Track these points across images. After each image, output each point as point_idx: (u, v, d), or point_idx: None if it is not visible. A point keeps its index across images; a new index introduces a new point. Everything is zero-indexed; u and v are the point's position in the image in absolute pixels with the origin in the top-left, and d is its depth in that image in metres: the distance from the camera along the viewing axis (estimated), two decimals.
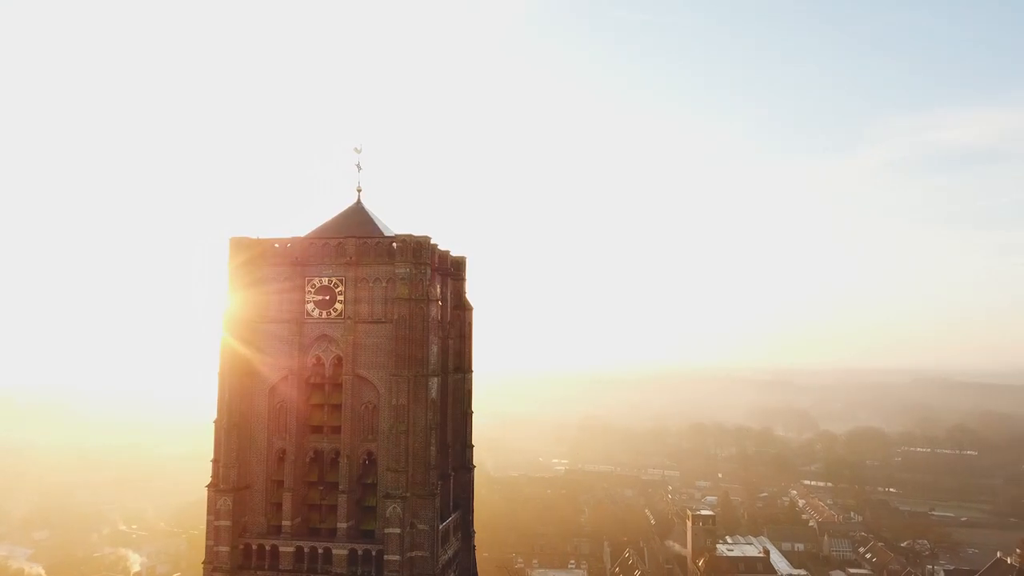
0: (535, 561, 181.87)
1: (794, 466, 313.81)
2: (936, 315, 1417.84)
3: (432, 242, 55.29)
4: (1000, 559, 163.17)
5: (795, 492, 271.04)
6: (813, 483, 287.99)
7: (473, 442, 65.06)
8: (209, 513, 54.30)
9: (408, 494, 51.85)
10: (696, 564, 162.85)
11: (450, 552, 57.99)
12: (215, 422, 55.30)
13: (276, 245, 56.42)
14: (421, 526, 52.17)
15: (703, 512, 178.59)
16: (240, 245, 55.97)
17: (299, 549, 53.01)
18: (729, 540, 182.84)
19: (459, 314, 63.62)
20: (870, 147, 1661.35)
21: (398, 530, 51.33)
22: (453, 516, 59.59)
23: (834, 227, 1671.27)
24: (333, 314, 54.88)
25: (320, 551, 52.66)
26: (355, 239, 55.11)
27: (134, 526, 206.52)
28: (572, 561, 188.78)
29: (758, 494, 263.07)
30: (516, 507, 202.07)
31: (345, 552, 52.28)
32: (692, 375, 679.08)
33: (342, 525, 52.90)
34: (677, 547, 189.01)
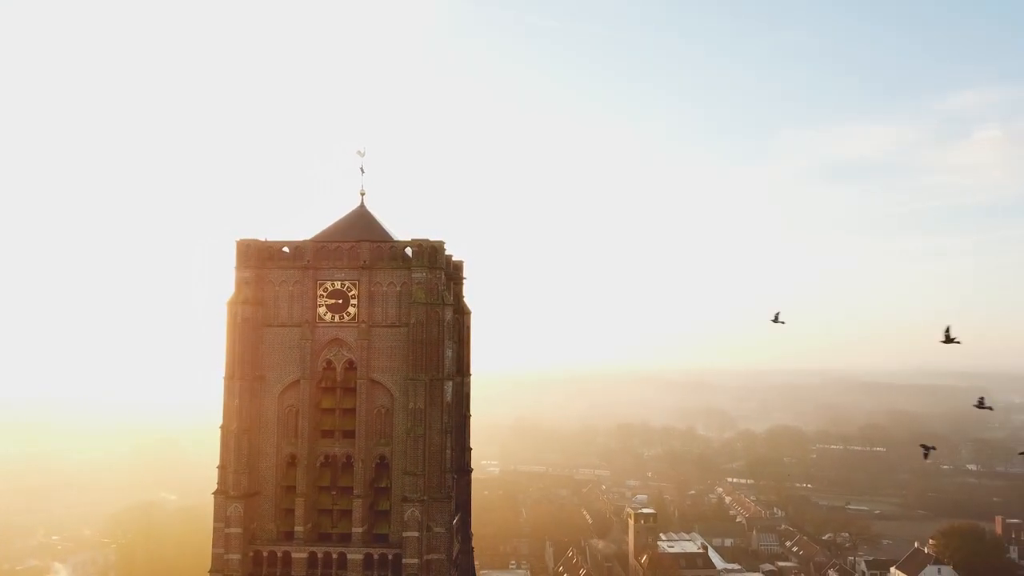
0: (476, 563, 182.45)
1: (717, 464, 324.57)
2: (842, 319, 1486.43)
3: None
4: (918, 549, 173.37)
5: (721, 490, 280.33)
6: (737, 480, 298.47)
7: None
8: (217, 520, 53.16)
9: (425, 497, 52.21)
10: (638, 561, 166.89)
11: (454, 553, 58.52)
12: (221, 427, 54.26)
13: (285, 248, 55.80)
14: (437, 529, 52.63)
15: (644, 511, 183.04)
16: (248, 248, 55.07)
17: (312, 555, 52.62)
18: (664, 537, 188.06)
19: (458, 318, 64.16)
20: (776, 157, 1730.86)
21: (416, 533, 51.63)
22: (456, 518, 60.11)
23: (744, 234, 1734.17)
24: (346, 318, 54.68)
25: (335, 556, 52.42)
26: (369, 243, 55.05)
27: (55, 537, 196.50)
28: (513, 561, 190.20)
29: (687, 492, 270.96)
30: None
31: (360, 557, 52.20)
32: (615, 376, 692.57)
33: (357, 530, 52.76)
34: (616, 545, 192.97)
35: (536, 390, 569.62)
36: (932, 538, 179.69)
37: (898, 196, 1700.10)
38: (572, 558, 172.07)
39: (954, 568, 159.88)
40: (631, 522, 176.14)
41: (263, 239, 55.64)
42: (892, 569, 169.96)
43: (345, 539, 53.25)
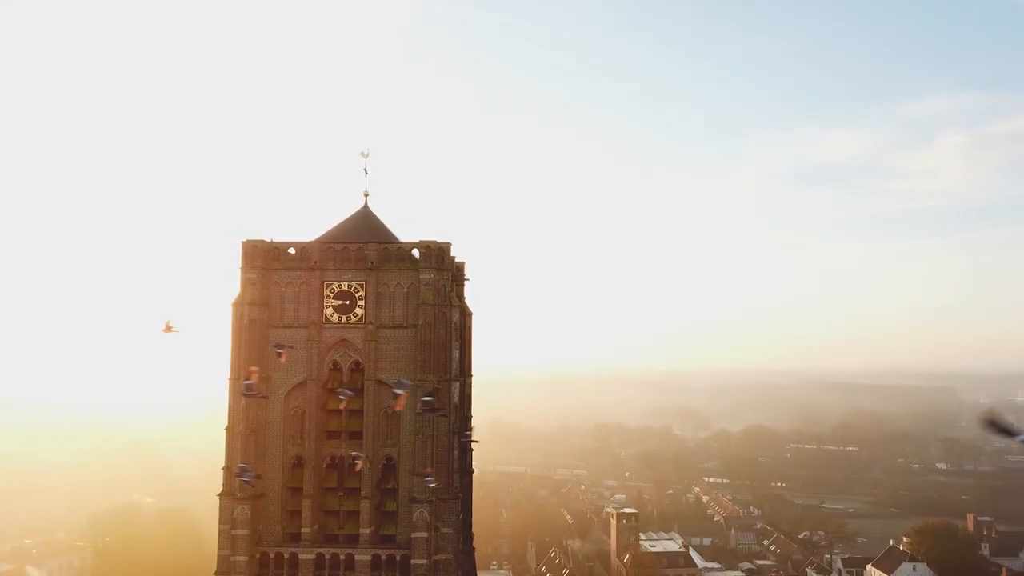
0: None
1: (694, 464, 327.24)
2: (812, 320, 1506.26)
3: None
4: (893, 547, 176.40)
5: (698, 489, 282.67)
6: (713, 480, 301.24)
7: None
8: (223, 522, 52.96)
9: (433, 498, 52.40)
10: (621, 560, 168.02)
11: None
12: (227, 429, 54.06)
13: (291, 250, 55.68)
14: (445, 529, 52.89)
15: (627, 510, 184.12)
16: (254, 249, 54.87)
17: (320, 556, 52.60)
18: (644, 537, 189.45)
19: (461, 319, 64.35)
20: (748, 161, 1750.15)
21: (425, 534, 51.82)
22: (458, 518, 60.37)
23: (716, 237, 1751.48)
24: (353, 319, 54.73)
25: (342, 557, 52.44)
26: (376, 244, 55.14)
27: (28, 541, 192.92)
28: (494, 562, 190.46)
29: (664, 492, 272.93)
30: None
31: (368, 557, 52.28)
32: (590, 377, 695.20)
33: (364, 531, 52.82)
34: (597, 545, 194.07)
35: (512, 391, 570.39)
36: (906, 536, 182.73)
37: (866, 200, 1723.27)
38: (555, 558, 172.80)
39: (928, 565, 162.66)
40: (613, 522, 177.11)
41: (268, 239, 55.47)
42: (868, 567, 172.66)
43: (351, 540, 53.30)
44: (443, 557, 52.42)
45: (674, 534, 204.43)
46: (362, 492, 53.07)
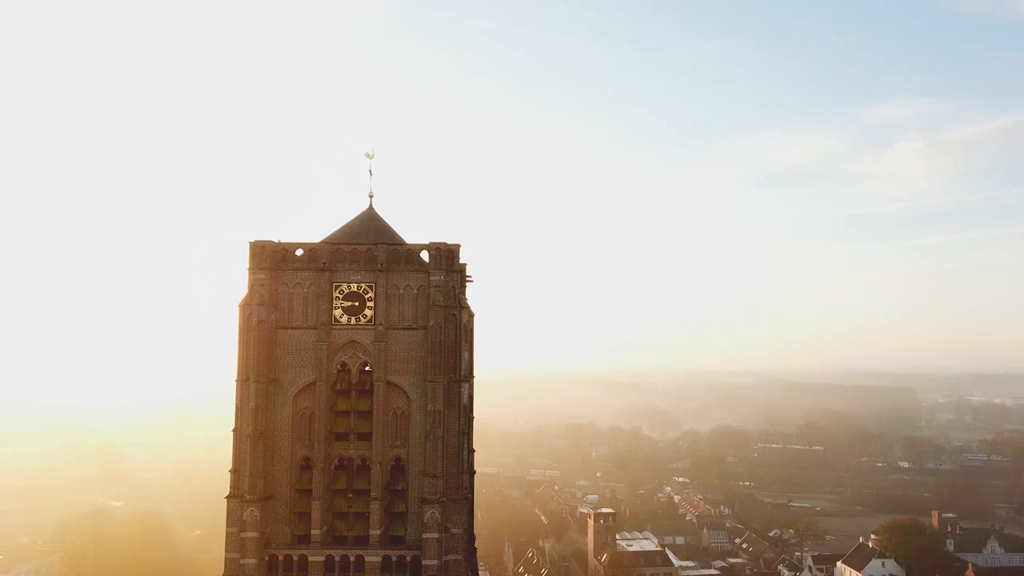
0: None
1: (664, 464, 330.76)
2: (774, 321, 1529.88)
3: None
4: (862, 544, 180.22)
5: (669, 488, 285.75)
6: (683, 480, 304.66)
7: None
8: (231, 525, 52.45)
9: (444, 499, 52.52)
10: (599, 560, 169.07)
11: None
12: (234, 431, 53.57)
13: (300, 251, 55.39)
14: (455, 530, 53.04)
15: (604, 510, 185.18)
16: (263, 250, 54.44)
17: (329, 558, 52.35)
18: (619, 536, 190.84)
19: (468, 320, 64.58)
20: (715, 165, 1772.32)
21: (436, 535, 51.86)
22: None
23: (682, 239, 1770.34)
24: (363, 320, 54.59)
25: (352, 559, 52.27)
26: (386, 246, 55.07)
27: None
28: None
29: (636, 491, 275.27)
30: None
31: (378, 559, 52.18)
32: (560, 378, 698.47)
33: (375, 532, 52.69)
34: (573, 545, 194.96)
35: (482, 391, 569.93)
36: (875, 533, 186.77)
37: (827, 203, 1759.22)
38: (532, 558, 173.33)
39: (897, 561, 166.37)
40: (591, 521, 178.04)
41: (276, 240, 55.10)
42: (839, 563, 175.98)
43: (360, 542, 53.14)
44: (453, 558, 52.57)
45: (648, 533, 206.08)
46: (372, 493, 52.91)
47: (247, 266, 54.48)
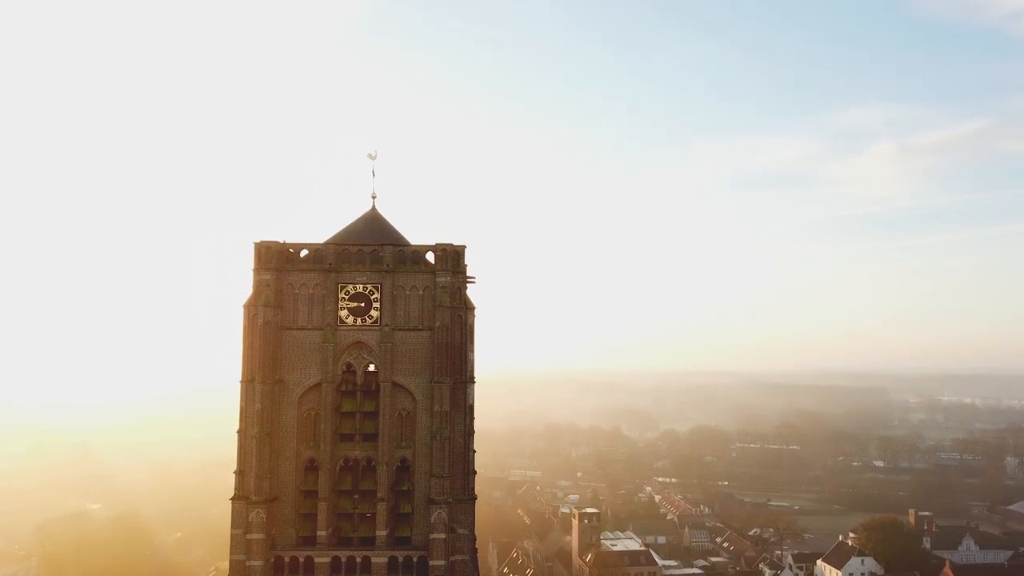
0: None
1: (644, 464, 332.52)
2: (747, 322, 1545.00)
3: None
4: (842, 542, 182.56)
5: (650, 488, 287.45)
6: (663, 479, 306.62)
7: None
8: (236, 527, 52.04)
9: (451, 499, 52.66)
10: (583, 560, 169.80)
11: None
12: (239, 432, 53.23)
13: (305, 251, 55.23)
14: (461, 530, 53.21)
15: (588, 510, 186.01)
16: (268, 250, 54.19)
17: (335, 559, 52.25)
18: (601, 536, 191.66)
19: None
20: (691, 166, 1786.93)
21: (443, 535, 51.98)
22: None
23: (655, 240, 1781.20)
24: (368, 321, 54.54)
25: (358, 560, 52.19)
26: (392, 246, 55.09)
27: None
28: None
29: (617, 491, 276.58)
30: None
31: (385, 560, 52.15)
32: (537, 378, 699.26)
33: (381, 533, 52.67)
34: (557, 545, 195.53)
35: None
36: (853, 531, 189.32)
37: (802, 206, 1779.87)
38: (517, 558, 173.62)
39: (875, 559, 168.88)
40: (575, 521, 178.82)
41: (281, 241, 54.89)
42: (819, 562, 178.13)
43: (366, 543, 53.08)
44: (460, 558, 52.75)
45: (630, 533, 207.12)
46: (378, 494, 52.88)
47: (251, 266, 54.24)
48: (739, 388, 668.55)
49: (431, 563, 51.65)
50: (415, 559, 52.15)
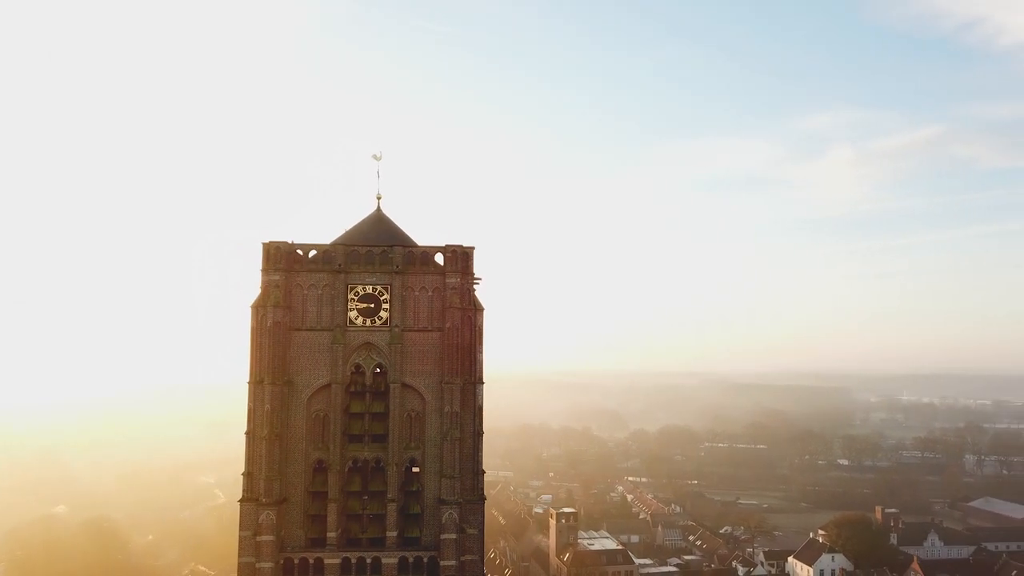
0: None
1: (614, 463, 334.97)
2: (711, 323, 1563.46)
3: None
4: (813, 539, 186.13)
5: (621, 488, 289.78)
6: (634, 479, 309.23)
7: None
8: (244, 529, 51.74)
9: (461, 499, 52.96)
10: (561, 559, 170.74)
11: None
12: (247, 433, 52.95)
13: (313, 252, 55.11)
14: (471, 530, 53.53)
15: (566, 510, 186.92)
16: (277, 251, 53.94)
17: (345, 560, 52.23)
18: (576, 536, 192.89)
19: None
20: (657, 167, 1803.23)
21: (454, 535, 52.26)
22: None
23: (620, 242, 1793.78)
24: (378, 322, 54.59)
25: (369, 561, 52.23)
26: (401, 247, 55.21)
27: None
28: None
29: (589, 491, 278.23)
30: None
31: (395, 560, 52.29)
32: (508, 379, 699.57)
33: (391, 534, 52.79)
34: (533, 545, 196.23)
35: None
36: (823, 528, 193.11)
37: (763, 209, 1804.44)
38: (495, 559, 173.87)
39: (845, 555, 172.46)
40: (552, 521, 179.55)
41: (290, 241, 54.71)
42: (790, 559, 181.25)
43: (375, 544, 53.16)
44: (470, 558, 53.03)
45: (604, 532, 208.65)
46: (388, 495, 52.99)
47: (260, 267, 53.97)
48: (705, 389, 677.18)
49: (442, 563, 51.92)
50: (425, 559, 52.38)
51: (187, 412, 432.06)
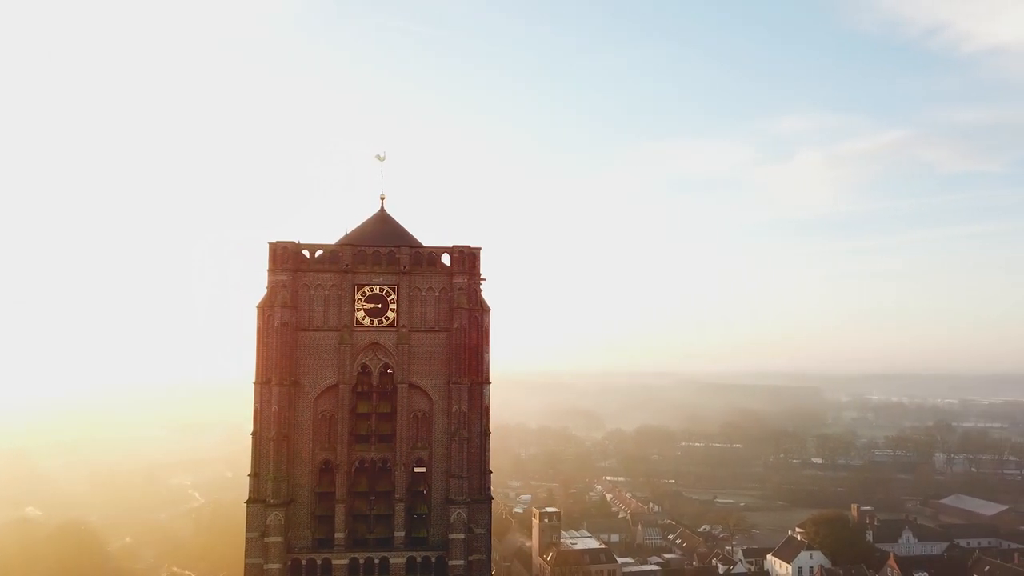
0: None
1: (592, 463, 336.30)
2: (683, 324, 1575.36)
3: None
4: (791, 537, 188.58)
5: (600, 487, 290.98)
6: (612, 478, 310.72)
7: None
8: (251, 530, 51.40)
9: (469, 499, 53.04)
10: (544, 559, 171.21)
11: None
12: (253, 434, 52.59)
13: (320, 252, 54.86)
14: (479, 530, 53.63)
15: (548, 509, 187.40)
16: (284, 251, 53.63)
17: (353, 560, 52.07)
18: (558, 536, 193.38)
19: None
20: (631, 168, 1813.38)
21: (462, 535, 52.32)
22: None
23: (593, 243, 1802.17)
24: (385, 322, 54.48)
25: (376, 561, 52.13)
26: (408, 248, 55.16)
27: None
28: None
29: (568, 490, 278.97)
30: None
31: (403, 560, 52.26)
32: None
33: (399, 534, 52.73)
34: (515, 544, 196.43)
35: None
36: (801, 526, 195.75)
37: (733, 210, 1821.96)
38: None
39: (823, 552, 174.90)
40: (535, 520, 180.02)
41: (296, 241, 54.43)
42: (769, 556, 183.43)
43: (382, 544, 53.07)
44: (477, 557, 53.15)
45: (584, 531, 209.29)
46: (396, 495, 52.92)
47: (266, 267, 53.63)
48: (679, 389, 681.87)
49: (450, 563, 51.99)
50: (433, 559, 52.41)
51: (162, 412, 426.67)
